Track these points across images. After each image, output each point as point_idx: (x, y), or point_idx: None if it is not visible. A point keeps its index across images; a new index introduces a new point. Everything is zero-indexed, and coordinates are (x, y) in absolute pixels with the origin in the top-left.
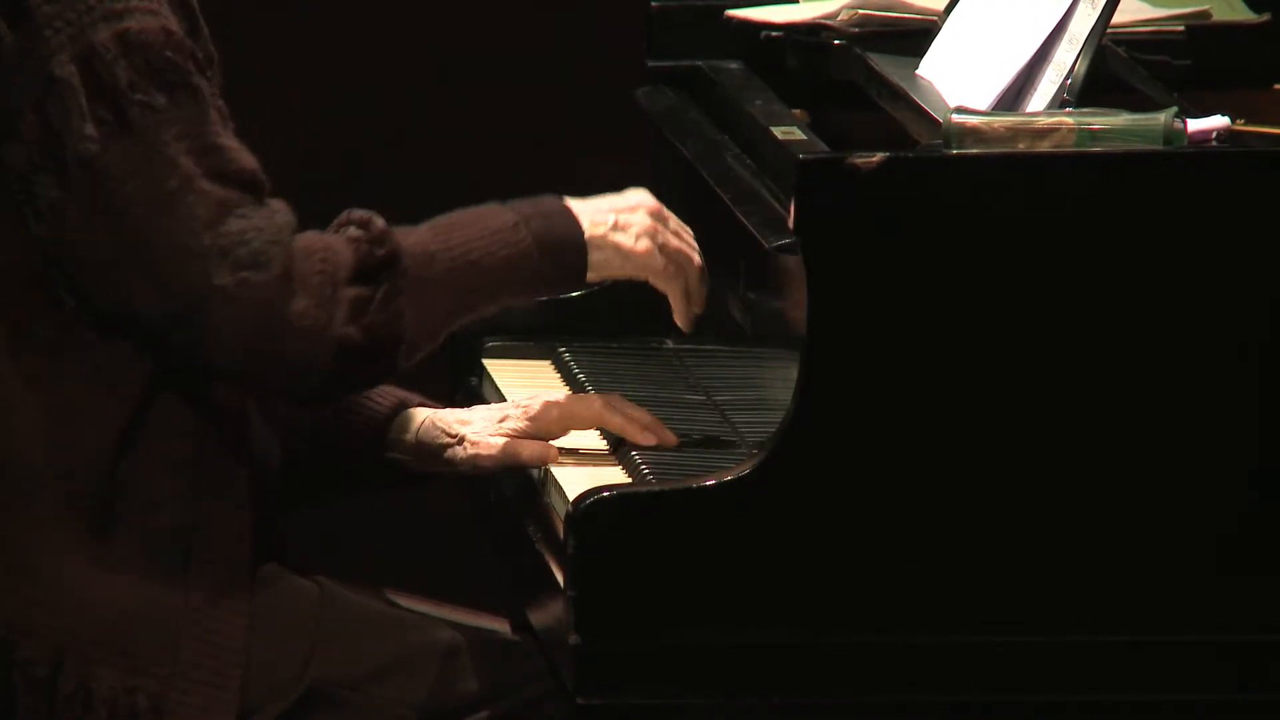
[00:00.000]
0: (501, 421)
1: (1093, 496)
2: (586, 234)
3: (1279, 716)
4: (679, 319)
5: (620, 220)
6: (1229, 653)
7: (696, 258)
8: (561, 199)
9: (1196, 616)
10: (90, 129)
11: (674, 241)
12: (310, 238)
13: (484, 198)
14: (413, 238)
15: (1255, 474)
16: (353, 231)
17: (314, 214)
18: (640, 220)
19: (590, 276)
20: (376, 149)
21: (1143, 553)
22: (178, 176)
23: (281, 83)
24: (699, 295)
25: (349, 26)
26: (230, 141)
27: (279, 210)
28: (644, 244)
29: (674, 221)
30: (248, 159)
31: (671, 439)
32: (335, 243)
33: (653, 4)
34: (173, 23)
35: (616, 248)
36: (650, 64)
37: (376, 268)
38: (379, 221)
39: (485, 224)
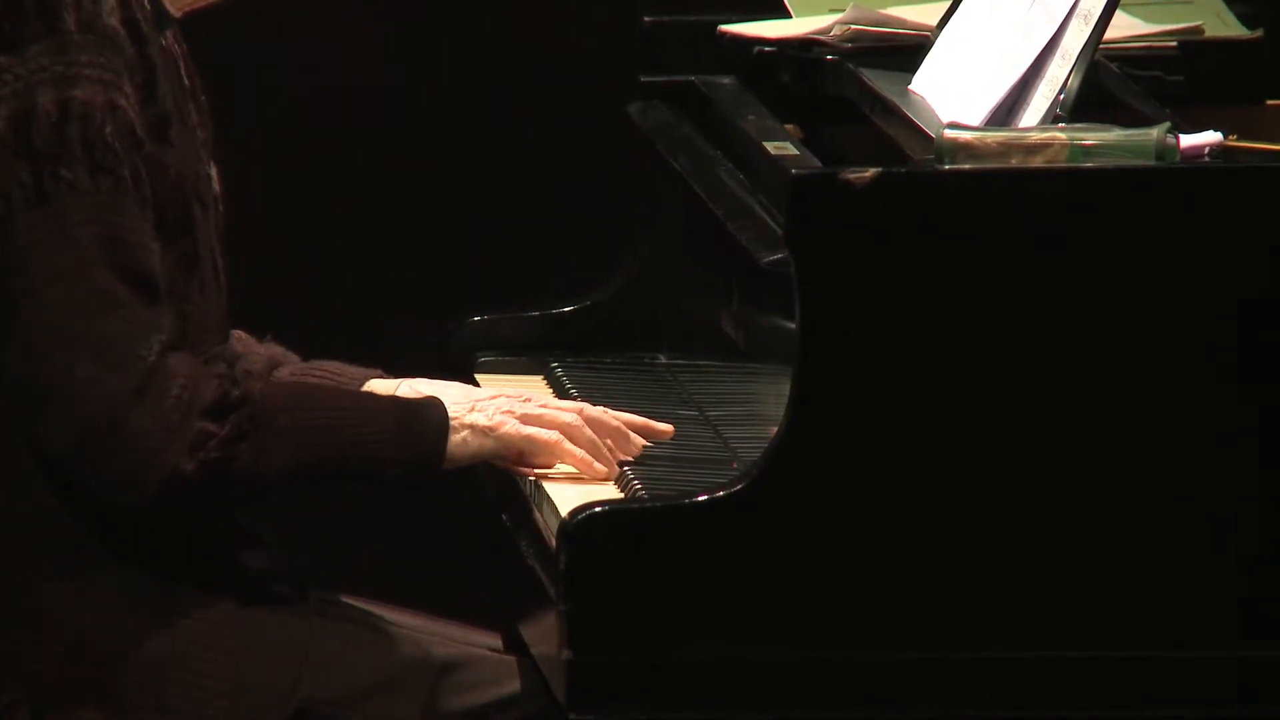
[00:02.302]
0: (494, 399)
1: (1086, 510)
2: (450, 416)
3: None
4: (593, 475)
5: (478, 405)
6: (1230, 668)
7: (564, 417)
8: (440, 401)
9: (1196, 631)
10: (5, 189)
11: (535, 410)
12: (181, 361)
13: (477, 212)
14: (274, 389)
15: (1252, 486)
16: (220, 368)
17: (309, 224)
18: (497, 403)
19: (451, 457)
20: (367, 161)
21: (1136, 569)
22: (74, 259)
23: (278, 102)
24: (600, 446)
25: (344, 39)
26: (140, 238)
27: (161, 324)
28: (499, 419)
29: (540, 401)
30: (150, 260)
31: (661, 431)
32: (200, 374)
33: (646, 19)
34: (122, 94)
35: (473, 427)
36: (643, 79)
37: (229, 407)
38: (245, 364)
39: (355, 398)
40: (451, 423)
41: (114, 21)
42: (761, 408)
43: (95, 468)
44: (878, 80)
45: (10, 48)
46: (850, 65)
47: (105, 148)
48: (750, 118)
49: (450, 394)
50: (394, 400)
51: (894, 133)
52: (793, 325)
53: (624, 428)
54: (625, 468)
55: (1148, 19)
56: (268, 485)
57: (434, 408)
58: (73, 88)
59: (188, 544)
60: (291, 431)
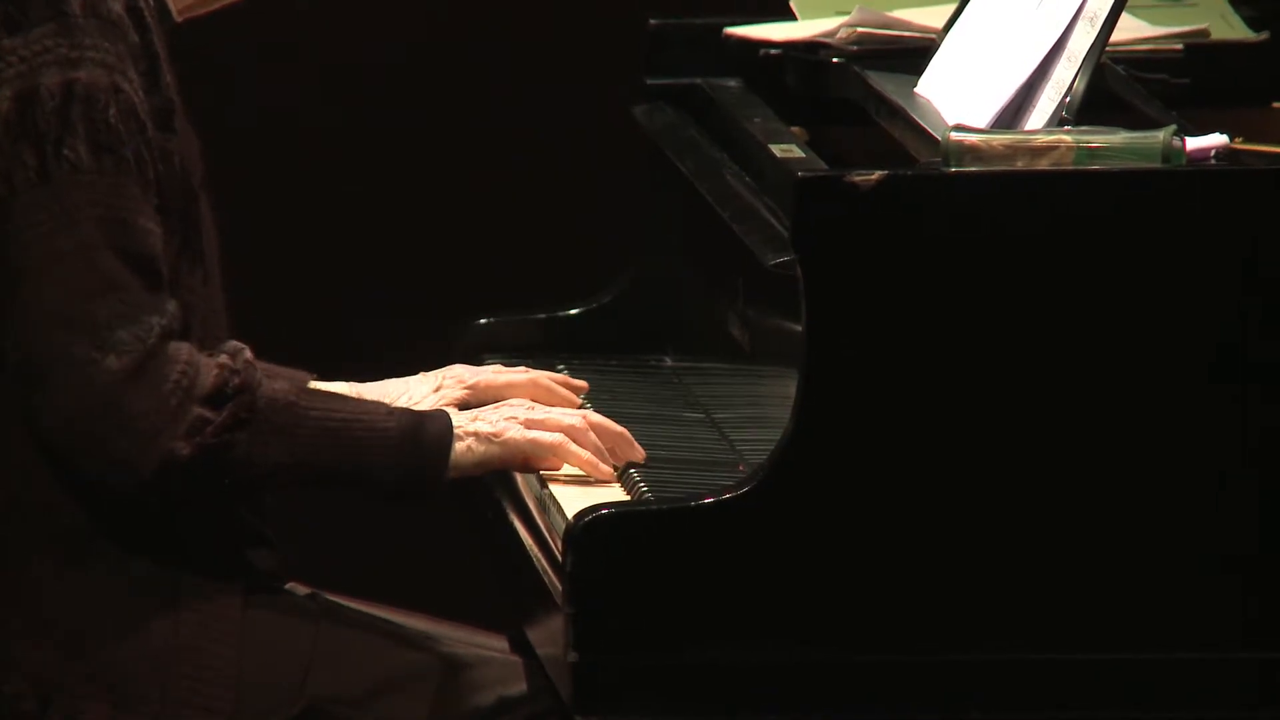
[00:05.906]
0: (438, 390)
1: (1092, 512)
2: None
3: None
4: (598, 476)
5: (481, 414)
6: (1233, 670)
7: (568, 419)
8: (444, 411)
9: (1203, 634)
10: (8, 170)
11: (539, 415)
12: (181, 348)
13: (482, 214)
14: (279, 384)
15: (1254, 488)
16: (222, 358)
17: (312, 226)
18: (500, 411)
19: (455, 465)
20: (371, 163)
21: (1145, 571)
22: (76, 241)
23: (280, 103)
24: (603, 449)
25: (346, 40)
26: (144, 221)
27: (163, 310)
28: (502, 425)
29: (549, 405)
30: (152, 244)
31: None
32: (202, 362)
33: (651, 21)
34: (126, 78)
35: (476, 434)
36: (649, 81)
37: (228, 395)
38: (247, 354)
39: (360, 405)
40: (455, 430)
41: (118, 8)
42: (767, 410)
43: (90, 450)
44: (883, 83)
45: (15, 30)
46: (856, 68)
47: (108, 129)
48: (756, 120)
49: (394, 387)
50: (397, 407)
51: (899, 135)
52: (798, 327)
53: (627, 433)
54: (631, 470)
55: (1153, 22)
56: (263, 478)
57: (437, 417)
58: (76, 69)
59: (193, 538)
60: (291, 426)
